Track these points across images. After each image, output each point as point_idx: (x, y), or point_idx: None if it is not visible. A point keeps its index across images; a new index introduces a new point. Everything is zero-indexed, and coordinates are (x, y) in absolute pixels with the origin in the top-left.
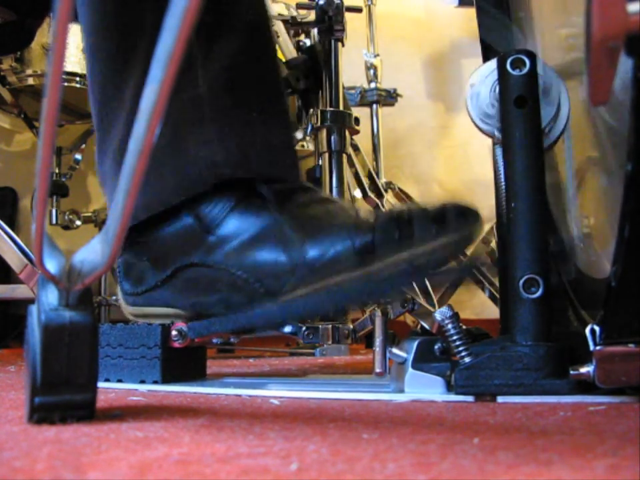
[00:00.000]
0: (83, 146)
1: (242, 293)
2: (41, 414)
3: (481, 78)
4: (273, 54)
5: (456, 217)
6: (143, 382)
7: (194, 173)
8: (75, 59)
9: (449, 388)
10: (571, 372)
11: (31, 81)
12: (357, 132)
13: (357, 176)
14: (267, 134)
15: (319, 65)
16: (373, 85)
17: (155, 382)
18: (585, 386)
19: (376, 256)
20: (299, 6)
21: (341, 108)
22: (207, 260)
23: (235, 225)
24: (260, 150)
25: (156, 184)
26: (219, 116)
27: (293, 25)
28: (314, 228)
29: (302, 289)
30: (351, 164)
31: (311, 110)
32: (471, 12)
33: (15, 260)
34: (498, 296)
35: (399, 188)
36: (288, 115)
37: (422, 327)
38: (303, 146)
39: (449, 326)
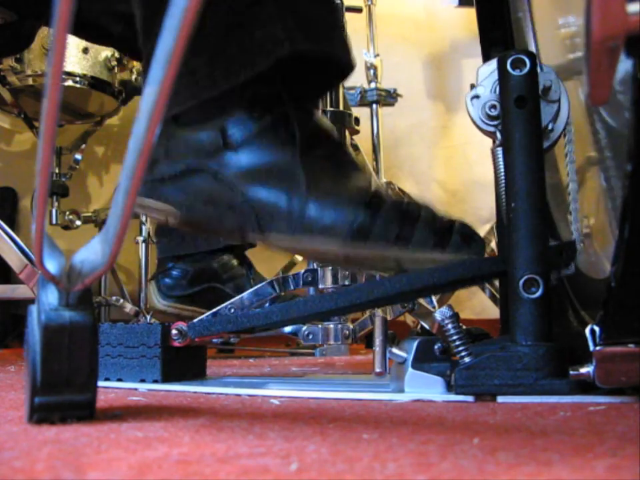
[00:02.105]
0: (83, 146)
1: (236, 216)
2: (41, 414)
3: (481, 78)
4: None
5: (459, 239)
6: (143, 381)
7: (256, 48)
8: (75, 59)
9: (449, 388)
10: (571, 372)
11: (30, 81)
12: (357, 132)
13: None
14: (322, 14)
15: None
16: (373, 85)
17: (155, 381)
18: (585, 386)
19: (368, 242)
20: None
21: (341, 108)
22: (218, 172)
23: (257, 150)
24: (318, 27)
25: (219, 61)
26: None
27: None
28: (324, 189)
29: (289, 237)
30: None
31: None
32: (471, 12)
33: (15, 260)
34: (498, 296)
35: (398, 188)
36: (342, 15)
37: (422, 326)
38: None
39: (449, 326)
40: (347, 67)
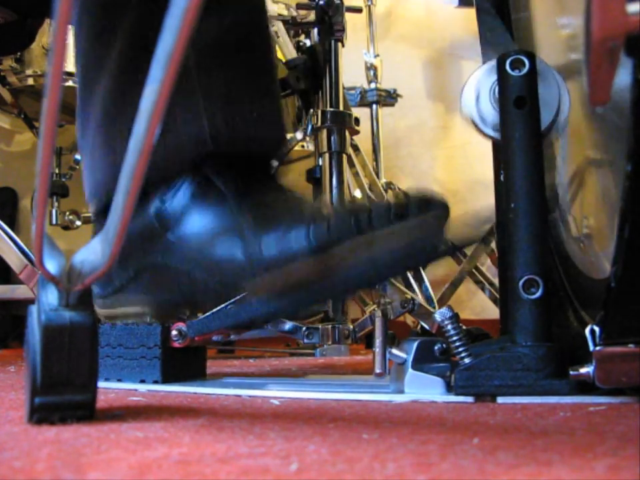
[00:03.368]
0: None
1: (204, 292)
2: (41, 414)
3: (476, 84)
4: (265, 30)
5: (418, 207)
6: (142, 382)
7: (179, 146)
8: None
9: (449, 388)
10: (571, 372)
11: (31, 81)
12: (357, 132)
13: (356, 176)
14: (255, 109)
15: (318, 65)
16: (373, 85)
17: (155, 382)
18: (585, 386)
19: (332, 246)
20: (299, 6)
21: (341, 108)
22: (166, 260)
23: (194, 222)
24: (247, 125)
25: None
26: (206, 89)
27: (293, 25)
28: (270, 218)
29: (262, 286)
30: (351, 164)
31: (311, 110)
32: (471, 12)
33: (15, 260)
34: (498, 296)
35: (398, 188)
36: (277, 91)
37: (422, 327)
38: (303, 146)
39: (449, 326)
40: (274, 148)
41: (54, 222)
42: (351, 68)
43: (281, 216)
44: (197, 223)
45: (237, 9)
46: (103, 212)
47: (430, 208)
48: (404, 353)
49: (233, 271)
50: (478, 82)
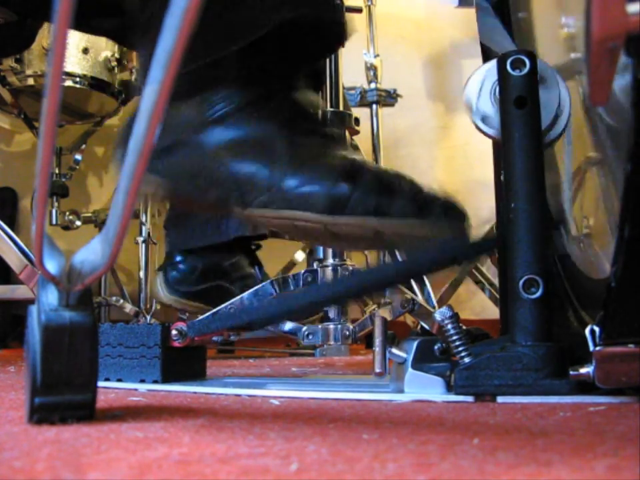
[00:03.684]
0: (83, 146)
1: (220, 190)
2: (41, 414)
3: (478, 82)
4: None
5: (441, 210)
6: (142, 381)
7: (255, 13)
8: (75, 59)
9: (449, 388)
10: (571, 372)
11: (31, 81)
12: (357, 132)
13: None
14: None
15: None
16: (373, 85)
17: (155, 381)
18: (585, 386)
19: (345, 213)
20: None
21: (341, 108)
22: (203, 145)
23: (240, 124)
24: None
25: (219, 27)
26: None
27: None
28: (304, 159)
29: (270, 210)
30: None
31: None
32: (471, 12)
33: (15, 260)
34: (498, 296)
35: None
36: None
37: (422, 327)
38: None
39: (449, 326)
40: (342, 32)
41: (54, 222)
42: (351, 68)
43: (312, 161)
44: (243, 127)
45: None
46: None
47: (450, 215)
48: (404, 353)
49: (253, 184)
50: (479, 81)
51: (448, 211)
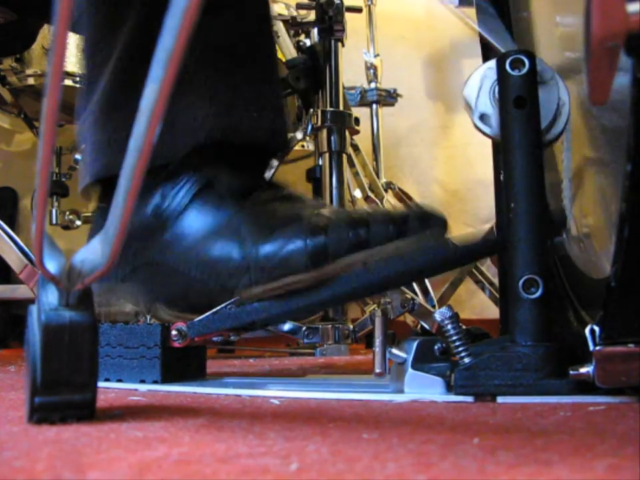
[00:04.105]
0: (83, 146)
1: (199, 291)
2: (41, 414)
3: (477, 81)
4: (267, 27)
5: (417, 223)
6: (142, 382)
7: (179, 134)
8: (75, 58)
9: (449, 388)
10: (571, 372)
11: (31, 81)
12: (357, 132)
13: (356, 176)
14: (256, 100)
15: (318, 64)
16: (373, 85)
17: (155, 382)
18: (585, 386)
19: (328, 260)
20: (299, 6)
21: (341, 108)
22: (163, 258)
23: (193, 219)
24: (247, 114)
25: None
26: (208, 80)
27: (293, 25)
28: (269, 226)
29: (257, 287)
30: (351, 164)
31: (311, 110)
32: (471, 12)
33: (15, 260)
34: (498, 296)
35: (398, 188)
36: (278, 84)
37: (422, 327)
38: (303, 146)
39: (449, 326)
40: (274, 149)
41: (54, 222)
42: (351, 68)
43: (280, 225)
44: (196, 222)
45: (240, 11)
46: (107, 194)
47: (429, 224)
48: (404, 353)
49: (229, 269)
50: (478, 80)
51: (425, 221)
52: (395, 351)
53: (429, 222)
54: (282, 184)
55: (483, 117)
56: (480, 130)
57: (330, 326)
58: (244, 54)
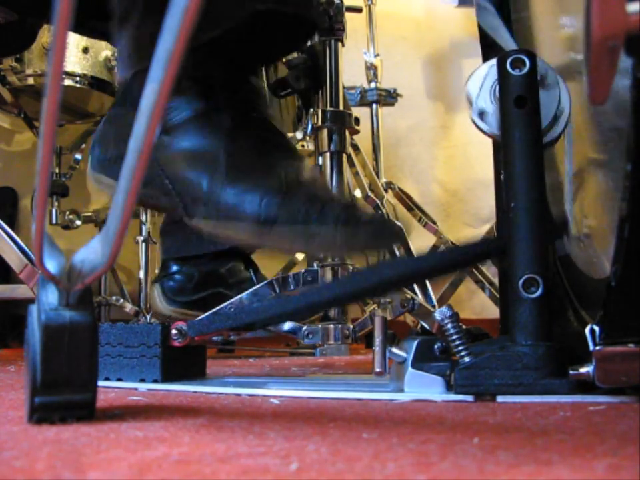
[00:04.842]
0: (83, 146)
1: (167, 198)
2: (41, 414)
3: (479, 79)
4: None
5: (371, 229)
6: (142, 381)
7: (214, 11)
8: (75, 58)
9: (449, 388)
10: (571, 372)
11: (31, 81)
12: (357, 132)
13: (357, 176)
14: None
15: (318, 64)
16: (373, 85)
17: (155, 381)
18: (585, 386)
19: (274, 228)
20: None
21: (341, 108)
22: (154, 154)
23: (188, 135)
24: None
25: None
26: None
27: None
28: (242, 176)
29: (209, 221)
30: (351, 164)
31: (311, 110)
32: (471, 12)
33: (15, 260)
34: (498, 296)
35: (398, 188)
36: None
37: (422, 326)
38: (303, 146)
39: (449, 326)
40: (313, 22)
41: (54, 222)
42: (351, 68)
43: (251, 173)
44: (187, 139)
45: None
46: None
47: (381, 233)
48: (404, 352)
49: (194, 194)
50: (480, 78)
51: (378, 230)
52: (395, 350)
53: (382, 232)
54: (275, 128)
55: (481, 114)
56: (478, 127)
57: (330, 326)
58: None
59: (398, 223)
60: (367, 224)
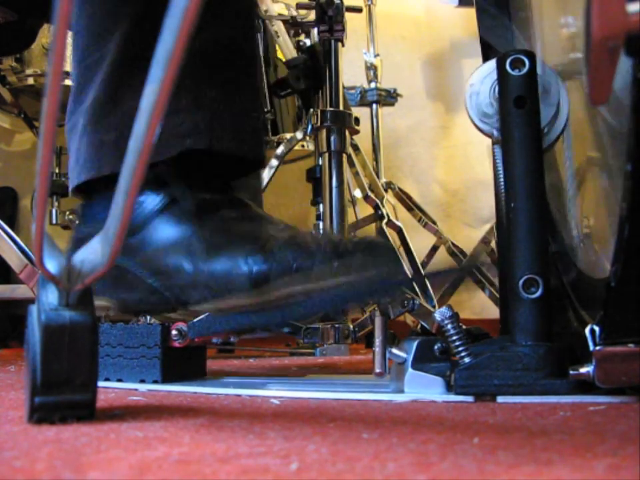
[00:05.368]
0: None
1: (157, 296)
2: (41, 414)
3: (480, 78)
4: (253, 41)
5: (363, 254)
6: (142, 381)
7: (160, 139)
8: None
9: (449, 388)
10: (571, 372)
11: (31, 81)
12: (357, 132)
13: (356, 176)
14: (237, 111)
15: (319, 64)
16: (373, 85)
17: (155, 381)
18: (585, 386)
19: (270, 284)
20: (299, 6)
21: (341, 108)
22: (127, 262)
23: (157, 230)
24: (227, 126)
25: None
26: (191, 88)
27: (293, 25)
28: (221, 245)
29: (206, 303)
30: (351, 164)
31: (311, 110)
32: (471, 12)
33: (15, 260)
34: (498, 296)
35: (398, 188)
36: (259, 98)
37: (422, 326)
38: (303, 146)
39: (449, 326)
40: (254, 163)
41: (54, 221)
42: (351, 68)
43: (231, 244)
44: (159, 233)
45: (228, 21)
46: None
47: (375, 254)
48: (404, 353)
49: (180, 283)
50: (481, 77)
51: (371, 251)
52: (395, 350)
53: (375, 252)
54: (249, 202)
55: (481, 113)
56: (476, 125)
57: (330, 326)
58: (226, 60)
59: (387, 244)
60: (357, 245)
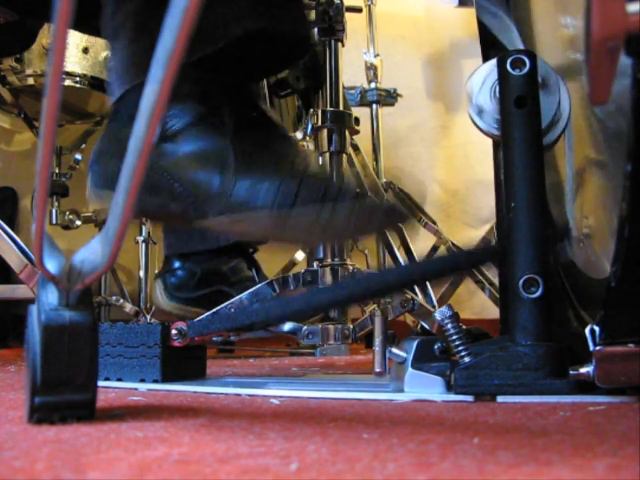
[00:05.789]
0: (83, 146)
1: (177, 203)
2: (41, 414)
3: (480, 78)
4: None
5: (383, 212)
6: (142, 381)
7: (220, 23)
8: (75, 58)
9: (449, 388)
10: (571, 372)
11: (31, 81)
12: (357, 132)
13: (357, 176)
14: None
15: (318, 64)
16: (373, 85)
17: (155, 381)
18: (585, 386)
19: (293, 209)
20: None
21: (341, 108)
22: (157, 162)
23: (192, 138)
24: (271, 6)
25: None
26: None
27: None
28: (251, 168)
29: (225, 216)
30: (351, 164)
31: (311, 110)
32: (471, 12)
33: (15, 260)
34: (498, 296)
35: (399, 188)
36: None
37: (422, 326)
38: (303, 146)
39: (449, 326)
40: (303, 42)
41: (54, 222)
42: (351, 68)
43: (262, 164)
44: (192, 143)
45: None
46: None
47: (392, 215)
48: (404, 352)
49: (206, 194)
50: (482, 77)
51: (389, 213)
52: (395, 350)
53: (393, 214)
54: (277, 122)
55: (480, 112)
56: (475, 124)
57: (330, 326)
58: None
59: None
60: (379, 203)
